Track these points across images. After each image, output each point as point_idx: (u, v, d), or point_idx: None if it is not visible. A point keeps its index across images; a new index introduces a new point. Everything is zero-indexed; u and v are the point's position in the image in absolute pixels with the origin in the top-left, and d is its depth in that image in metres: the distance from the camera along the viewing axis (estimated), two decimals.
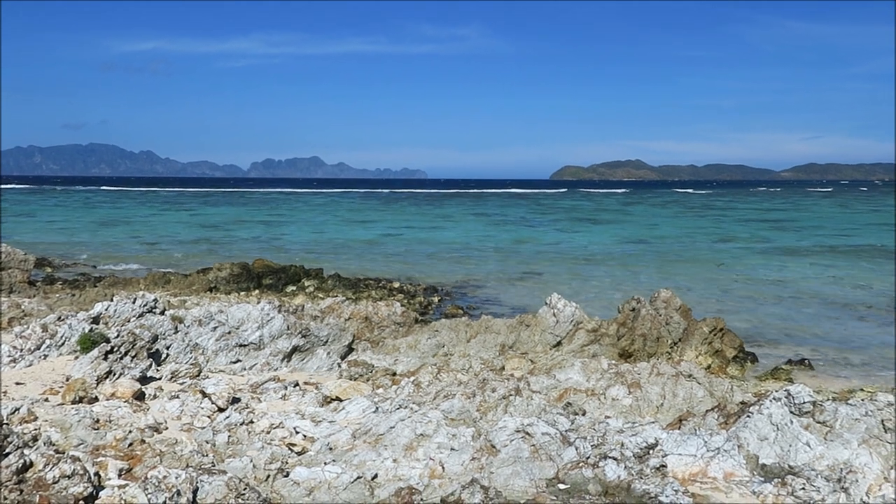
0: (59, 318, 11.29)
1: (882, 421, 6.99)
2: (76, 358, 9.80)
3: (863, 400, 7.30)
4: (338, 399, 8.78)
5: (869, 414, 7.03)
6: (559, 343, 12.07)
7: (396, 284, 22.97)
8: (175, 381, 9.60)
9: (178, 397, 8.55)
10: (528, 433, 6.32)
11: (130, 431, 7.11)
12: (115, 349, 9.38)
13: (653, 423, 7.10)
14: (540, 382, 8.85)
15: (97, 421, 7.34)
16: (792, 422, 6.84)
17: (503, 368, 11.02)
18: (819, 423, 7.01)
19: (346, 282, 22.50)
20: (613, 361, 9.63)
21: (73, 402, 8.08)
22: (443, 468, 6.24)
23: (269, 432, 7.39)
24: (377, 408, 7.93)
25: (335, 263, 28.08)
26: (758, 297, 21.17)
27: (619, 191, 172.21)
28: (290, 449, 6.95)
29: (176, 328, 10.79)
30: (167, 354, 10.40)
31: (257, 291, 20.45)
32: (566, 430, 6.60)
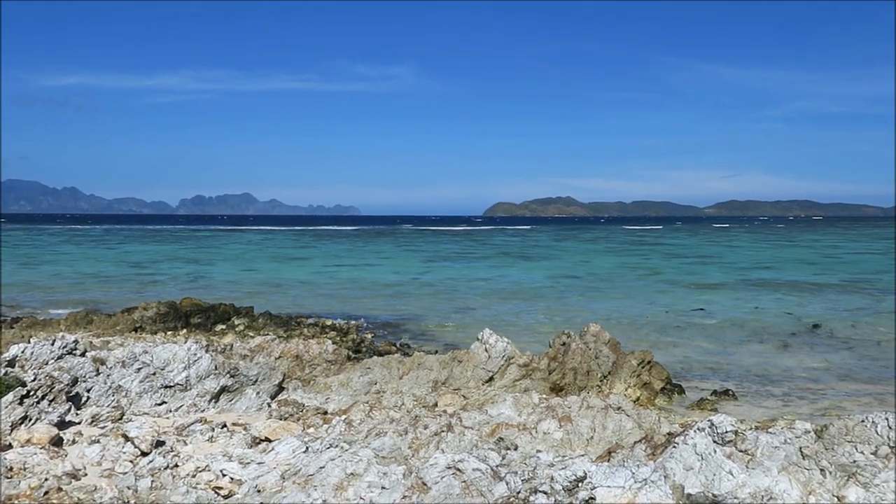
0: None
1: (800, 448, 7.24)
2: None
3: (782, 428, 7.55)
4: (267, 440, 8.60)
5: (788, 441, 7.27)
6: (491, 378, 12.12)
7: (329, 322, 22.74)
8: (96, 424, 9.25)
9: (98, 442, 8.24)
10: (459, 469, 6.31)
11: (46, 479, 6.80)
12: (32, 393, 8.99)
13: (583, 456, 7.18)
14: (472, 418, 8.85)
15: (10, 469, 7.00)
16: (715, 451, 7.02)
17: (436, 405, 10.99)
18: (741, 451, 7.21)
19: (277, 320, 22.16)
20: (544, 396, 9.71)
21: None
22: None
23: (194, 476, 7.18)
24: (307, 447, 7.79)
25: (267, 301, 27.65)
26: (685, 330, 21.73)
27: (550, 227, 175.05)
28: (216, 492, 6.76)
29: (97, 370, 10.42)
30: (88, 397, 10.01)
31: (185, 331, 19.94)
32: (497, 466, 6.61)
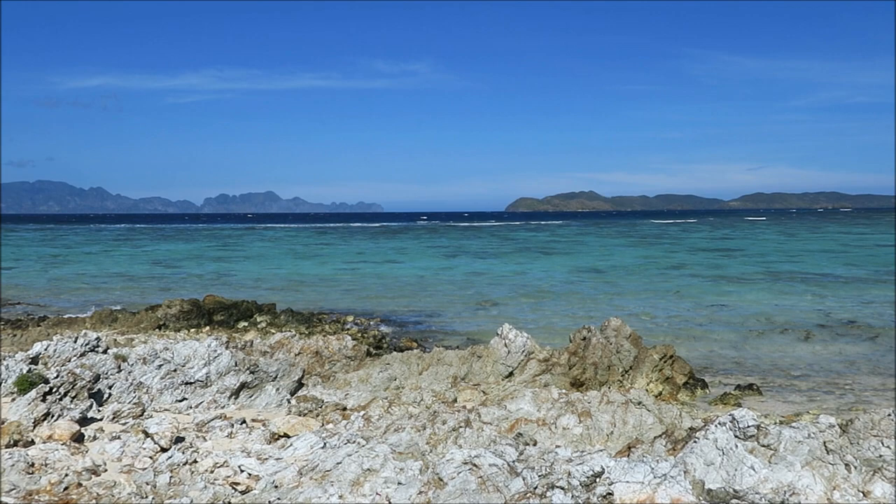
0: None
1: (824, 443, 7.11)
2: (13, 400, 9.46)
3: (806, 423, 7.42)
4: (285, 435, 8.62)
5: (812, 436, 7.14)
6: (511, 373, 12.06)
7: (350, 318, 22.79)
8: (117, 421, 9.33)
9: (119, 438, 8.30)
10: (475, 465, 6.27)
11: (66, 475, 6.86)
12: (54, 390, 9.09)
13: (601, 451, 7.10)
14: (491, 413, 8.81)
15: (32, 465, 7.07)
16: (737, 446, 6.91)
17: (455, 400, 10.95)
18: (763, 446, 7.09)
19: (299, 317, 22.25)
20: (564, 391, 9.65)
21: (8, 446, 7.77)
22: (389, 503, 6.14)
23: (212, 472, 7.20)
24: (325, 443, 7.79)
25: (289, 298, 27.78)
26: (708, 324, 21.50)
27: (573, 222, 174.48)
28: (233, 488, 6.78)
29: (119, 367, 10.51)
30: (109, 394, 10.10)
31: (208, 328, 20.10)
32: (514, 461, 6.56)
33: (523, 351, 12.28)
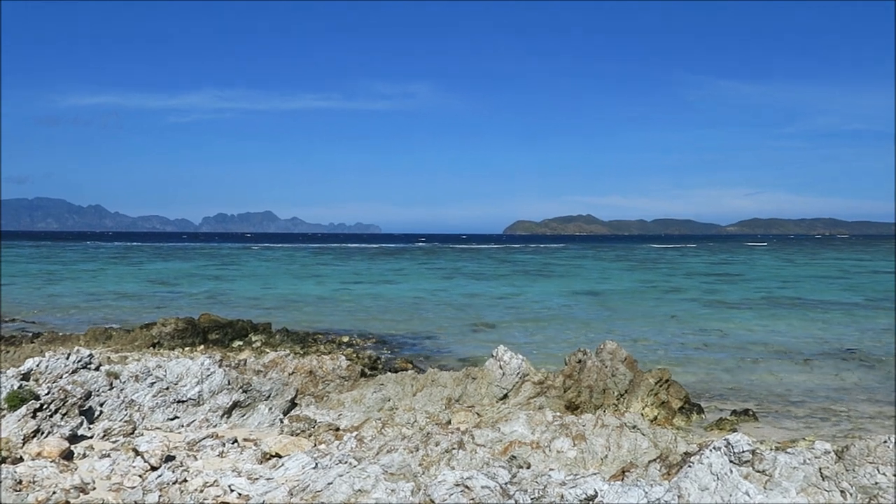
0: None
1: (820, 469, 7.05)
2: (3, 417, 9.38)
3: (802, 449, 7.37)
4: (277, 455, 8.54)
5: (807, 462, 7.09)
6: (505, 396, 11.99)
7: (346, 339, 22.71)
8: (108, 439, 9.25)
9: (108, 456, 8.22)
10: (467, 486, 6.21)
11: (54, 492, 6.78)
12: (45, 406, 9.01)
13: (595, 474, 7.04)
14: (484, 436, 8.75)
15: (20, 482, 6.99)
16: (732, 471, 6.85)
17: (449, 422, 10.87)
18: (758, 471, 7.03)
19: (294, 336, 22.17)
20: (559, 414, 9.58)
21: None
22: None
23: (202, 491, 7.12)
24: (317, 464, 7.72)
25: (285, 318, 27.70)
26: (704, 349, 21.44)
27: (570, 245, 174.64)
28: None
29: (111, 384, 10.44)
30: (101, 412, 10.02)
31: (202, 347, 20.00)
32: (506, 483, 6.50)
33: (518, 373, 12.22)
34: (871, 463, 7.34)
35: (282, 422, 10.52)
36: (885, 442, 7.43)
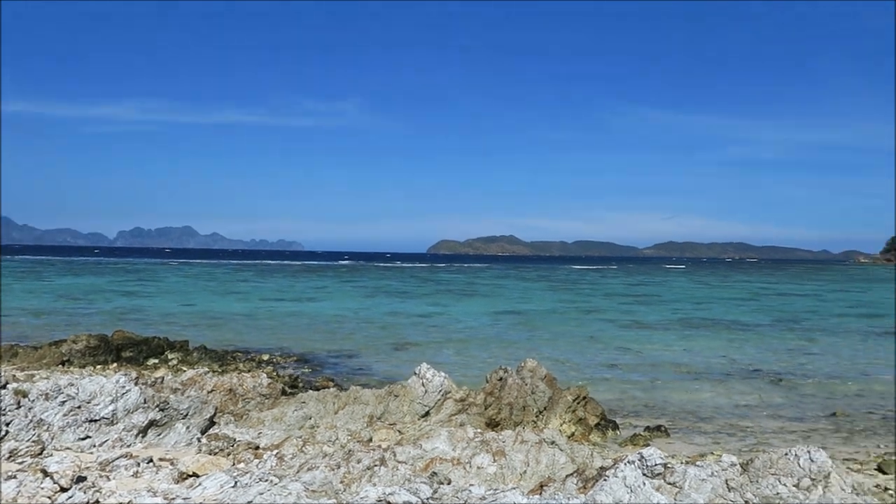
0: None
1: (726, 481, 7.40)
2: None
3: (710, 462, 7.71)
4: (194, 475, 8.37)
5: (715, 474, 7.43)
6: (427, 413, 12.06)
7: (266, 356, 22.37)
8: (14, 460, 8.87)
9: (15, 477, 7.89)
10: (389, 502, 6.26)
11: None
12: None
13: (514, 489, 7.19)
14: (406, 452, 8.79)
15: None
16: (644, 484, 7.12)
17: (371, 440, 10.87)
18: (670, 484, 7.33)
19: (212, 354, 21.70)
20: (479, 430, 9.71)
21: None
22: None
23: None
24: (236, 482, 7.61)
25: (203, 335, 27.07)
26: (621, 368, 22.03)
27: (494, 265, 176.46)
28: None
29: (18, 403, 10.02)
30: (7, 431, 9.61)
31: (115, 365, 19.37)
32: (428, 499, 6.58)
33: (440, 391, 12.32)
34: (773, 475, 7.73)
35: (199, 440, 10.32)
36: (787, 454, 7.84)
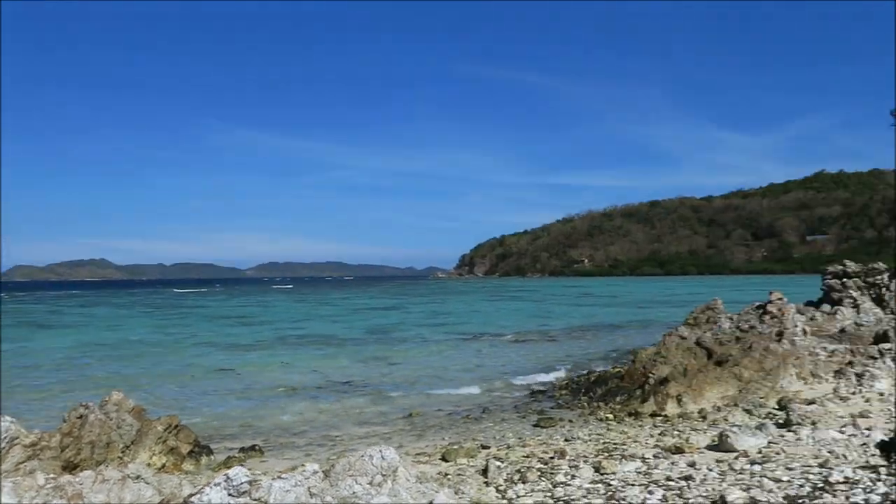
0: None
1: (309, 488, 7.88)
2: None
3: (295, 473, 8.14)
4: None
5: (298, 484, 7.86)
6: None
7: None
8: None
9: None
10: None
11: None
12: None
13: None
14: None
15: None
16: (230, 503, 7.25)
17: None
18: (255, 500, 7.56)
19: None
20: (52, 475, 8.91)
21: None
22: None
23: None
24: None
25: None
26: (218, 392, 21.81)
27: (83, 291, 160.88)
28: None
29: None
30: None
31: None
32: None
33: (6, 437, 10.96)
34: (350, 476, 8.42)
35: None
36: (363, 456, 8.61)
